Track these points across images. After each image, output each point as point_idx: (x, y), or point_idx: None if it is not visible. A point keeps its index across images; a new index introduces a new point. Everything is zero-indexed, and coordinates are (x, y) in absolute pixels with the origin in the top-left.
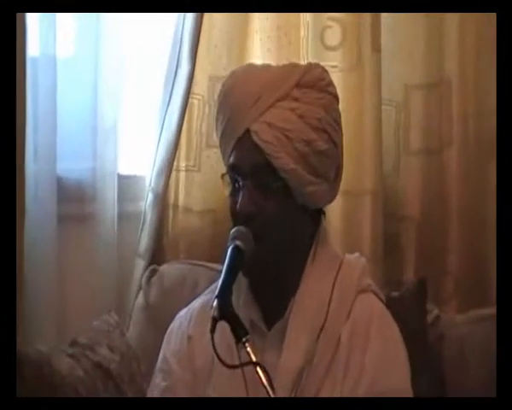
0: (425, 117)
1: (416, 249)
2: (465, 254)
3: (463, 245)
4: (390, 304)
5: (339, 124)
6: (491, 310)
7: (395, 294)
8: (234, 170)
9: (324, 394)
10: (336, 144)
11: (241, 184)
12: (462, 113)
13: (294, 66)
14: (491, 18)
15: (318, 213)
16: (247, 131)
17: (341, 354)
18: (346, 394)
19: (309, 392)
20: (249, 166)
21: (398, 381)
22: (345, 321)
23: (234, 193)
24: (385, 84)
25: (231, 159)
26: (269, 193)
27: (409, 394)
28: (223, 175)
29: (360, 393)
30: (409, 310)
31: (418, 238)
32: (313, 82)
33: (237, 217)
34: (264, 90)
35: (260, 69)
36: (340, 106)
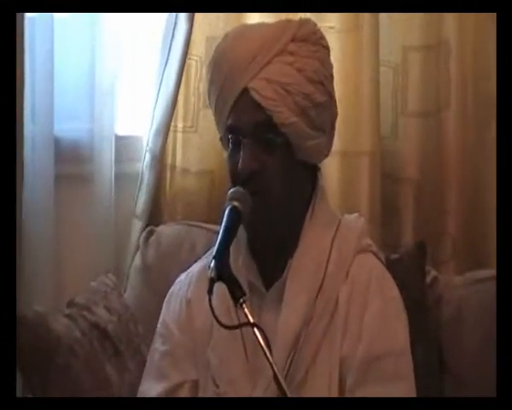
0: (423, 79)
1: (414, 211)
2: (463, 215)
3: (461, 207)
4: (389, 266)
5: (332, 75)
6: (489, 272)
7: (394, 256)
8: (233, 130)
9: (322, 354)
10: (331, 96)
11: (242, 142)
12: (460, 75)
13: (287, 21)
14: None
15: (315, 171)
16: (246, 89)
17: (340, 314)
18: (345, 354)
19: (307, 352)
20: (250, 124)
21: (397, 341)
22: (343, 281)
23: (233, 154)
24: (382, 45)
25: (229, 120)
26: (270, 149)
27: (407, 355)
28: (221, 138)
29: (359, 353)
30: (408, 272)
31: (416, 200)
32: (307, 35)
33: (238, 176)
34: (261, 47)
35: (254, 28)
36: (338, 67)
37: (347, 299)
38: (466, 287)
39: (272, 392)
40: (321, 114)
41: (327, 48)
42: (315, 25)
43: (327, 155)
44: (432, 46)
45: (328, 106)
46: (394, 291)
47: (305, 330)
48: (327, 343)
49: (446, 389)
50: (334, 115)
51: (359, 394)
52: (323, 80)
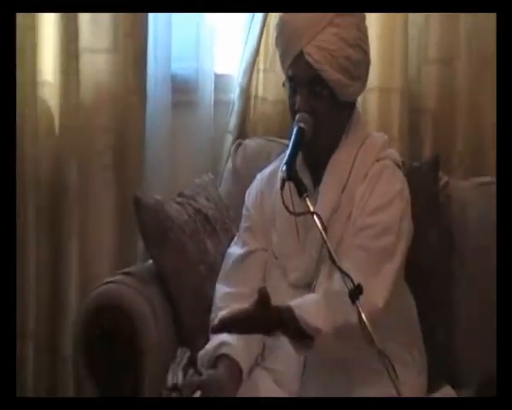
0: (441, 35)
1: (432, 133)
2: (468, 136)
3: (467, 130)
4: (412, 172)
5: (367, 36)
6: (486, 178)
7: (416, 164)
8: (291, 80)
9: (346, 234)
10: (366, 52)
11: (299, 90)
12: (467, 33)
13: None
14: None
15: (353, 103)
16: (301, 52)
17: (356, 206)
18: (355, 228)
19: (336, 231)
20: (304, 77)
21: (390, 217)
22: (361, 182)
23: (292, 95)
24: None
25: (290, 71)
26: (318, 98)
27: (396, 234)
28: (283, 83)
29: (358, 223)
30: (426, 177)
31: (434, 125)
32: (348, 13)
33: (296, 112)
34: (313, 19)
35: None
36: (378, 25)
37: (362, 194)
38: (469, 189)
39: (312, 267)
40: (358, 68)
41: (364, 20)
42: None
43: (362, 92)
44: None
45: (363, 61)
46: (398, 185)
47: (333, 215)
48: (349, 228)
49: (453, 266)
50: (368, 65)
51: (350, 254)
52: (360, 43)
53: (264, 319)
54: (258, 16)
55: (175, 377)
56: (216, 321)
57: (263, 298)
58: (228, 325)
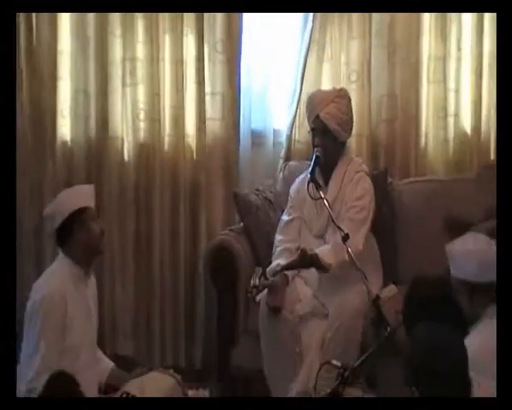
0: (387, 106)
1: (384, 157)
2: (401, 159)
3: (401, 155)
4: (374, 177)
5: (351, 109)
6: (415, 178)
7: (376, 172)
8: (313, 130)
9: (341, 212)
10: (350, 117)
11: (316, 135)
12: (401, 105)
13: (336, 89)
14: None
15: (345, 142)
16: (318, 115)
17: (347, 196)
18: (346, 207)
19: (336, 210)
20: (319, 129)
21: (365, 202)
22: (349, 183)
23: (313, 138)
24: (372, 95)
25: (312, 125)
26: (327, 139)
27: (368, 210)
28: (309, 131)
29: (349, 203)
30: (380, 179)
31: (384, 153)
32: (343, 96)
33: (315, 147)
34: (324, 99)
35: (322, 91)
36: (355, 105)
37: (350, 189)
38: (403, 185)
39: (324, 226)
40: (347, 125)
41: (349, 99)
42: (346, 91)
43: (348, 138)
44: (396, 94)
45: (350, 121)
46: (367, 185)
47: (335, 200)
48: (343, 209)
49: (394, 225)
50: (352, 124)
51: (344, 222)
52: (348, 112)
53: (303, 262)
54: (296, 98)
55: (254, 281)
56: (280, 268)
57: (303, 252)
58: (286, 268)
